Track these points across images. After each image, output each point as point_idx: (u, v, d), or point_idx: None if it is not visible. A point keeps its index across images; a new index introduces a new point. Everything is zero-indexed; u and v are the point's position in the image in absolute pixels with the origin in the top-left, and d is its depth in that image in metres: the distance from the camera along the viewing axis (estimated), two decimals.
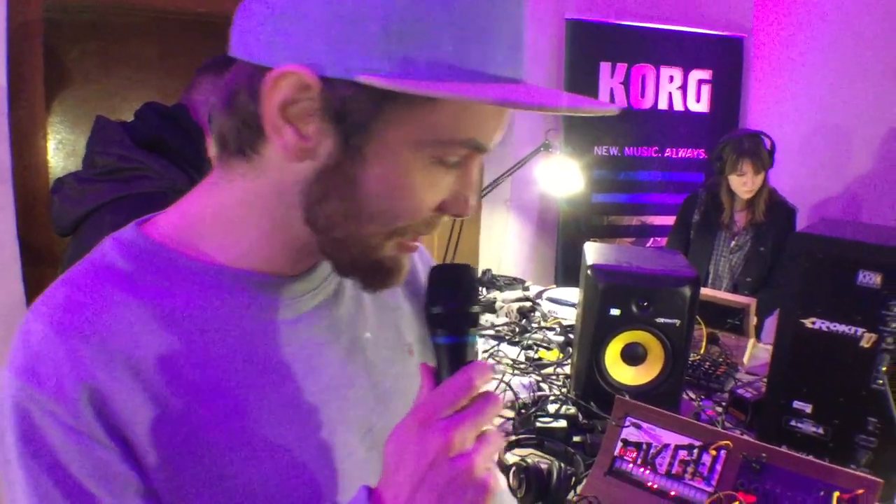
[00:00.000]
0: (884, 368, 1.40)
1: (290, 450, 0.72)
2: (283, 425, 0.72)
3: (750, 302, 2.34)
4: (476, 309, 0.70)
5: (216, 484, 0.67)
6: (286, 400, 0.73)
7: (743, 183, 3.04)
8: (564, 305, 2.68)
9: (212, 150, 0.70)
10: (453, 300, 0.69)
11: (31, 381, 0.62)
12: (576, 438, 1.58)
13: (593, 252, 1.88)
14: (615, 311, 1.70)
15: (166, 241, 0.71)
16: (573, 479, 1.41)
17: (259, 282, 0.72)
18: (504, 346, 2.25)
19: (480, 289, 2.84)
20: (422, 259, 0.98)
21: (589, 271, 1.74)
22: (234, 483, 0.68)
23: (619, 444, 1.36)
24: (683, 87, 4.05)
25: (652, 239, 4.10)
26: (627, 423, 1.28)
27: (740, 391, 1.83)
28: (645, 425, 1.29)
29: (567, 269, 3.87)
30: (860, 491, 1.19)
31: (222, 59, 1.57)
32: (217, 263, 0.71)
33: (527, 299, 2.70)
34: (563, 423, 1.62)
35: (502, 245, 3.91)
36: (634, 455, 1.36)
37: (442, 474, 0.62)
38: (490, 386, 0.67)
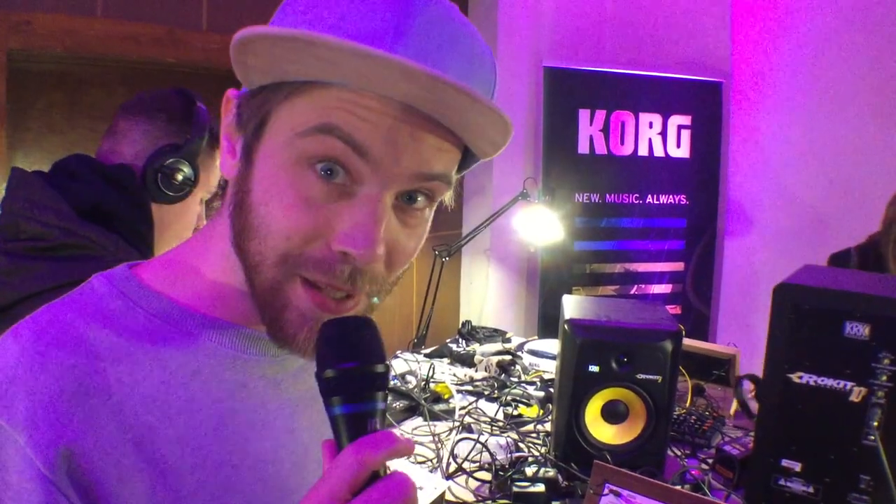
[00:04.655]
0: (875, 423, 1.33)
1: None
2: (262, 481, 0.69)
3: (734, 352, 2.28)
4: (380, 368, 0.57)
5: None
6: (267, 456, 0.71)
7: None
8: (545, 358, 2.60)
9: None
10: (349, 359, 0.56)
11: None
12: None
13: (571, 305, 1.81)
14: (594, 368, 1.63)
15: (155, 285, 0.68)
16: None
17: (243, 334, 0.70)
18: (482, 403, 2.16)
19: (459, 341, 2.76)
20: None
21: (566, 326, 1.68)
22: None
23: None
24: (663, 133, 4.04)
25: (636, 286, 4.04)
26: (606, 492, 1.21)
27: (727, 447, 1.75)
28: (624, 493, 1.21)
29: (549, 319, 3.80)
30: None
31: (148, 100, 1.43)
32: (202, 312, 0.68)
33: (507, 352, 2.62)
34: (541, 488, 1.54)
35: (483, 296, 3.85)
36: None
37: None
38: (397, 464, 0.57)
